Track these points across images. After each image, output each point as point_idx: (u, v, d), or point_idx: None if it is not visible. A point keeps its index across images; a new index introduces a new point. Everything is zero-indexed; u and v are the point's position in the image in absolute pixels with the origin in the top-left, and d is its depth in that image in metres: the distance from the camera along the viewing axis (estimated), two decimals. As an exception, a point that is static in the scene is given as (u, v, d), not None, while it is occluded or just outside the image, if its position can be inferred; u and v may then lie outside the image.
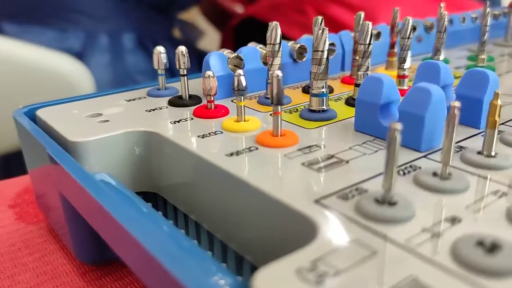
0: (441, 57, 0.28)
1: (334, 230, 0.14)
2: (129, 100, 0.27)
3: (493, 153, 0.18)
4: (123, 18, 0.81)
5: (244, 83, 0.22)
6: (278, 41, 0.25)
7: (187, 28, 0.99)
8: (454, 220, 0.15)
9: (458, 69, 0.32)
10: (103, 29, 0.79)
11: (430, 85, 0.19)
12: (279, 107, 0.20)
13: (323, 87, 0.23)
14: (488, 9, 0.31)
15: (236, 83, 0.22)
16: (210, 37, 1.08)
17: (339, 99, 0.27)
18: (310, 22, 1.07)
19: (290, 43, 0.30)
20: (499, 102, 0.17)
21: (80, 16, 0.78)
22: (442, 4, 0.33)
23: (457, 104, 0.16)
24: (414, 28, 0.35)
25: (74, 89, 0.67)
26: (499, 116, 0.18)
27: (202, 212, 0.21)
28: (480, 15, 0.40)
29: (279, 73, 0.20)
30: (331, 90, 0.28)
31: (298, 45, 0.29)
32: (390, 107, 0.21)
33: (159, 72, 0.28)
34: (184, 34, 0.98)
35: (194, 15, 1.15)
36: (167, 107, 0.26)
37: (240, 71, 0.22)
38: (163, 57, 0.27)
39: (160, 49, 0.27)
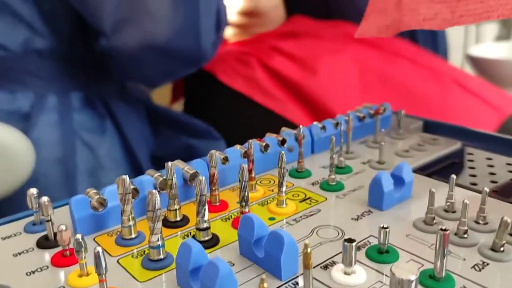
0: (284, 188, 0.31)
1: None
2: (4, 238, 0.30)
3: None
4: (70, 78, 0.85)
5: (82, 244, 0.25)
6: (129, 190, 0.29)
7: (137, 83, 1.03)
8: None
9: (314, 185, 0.36)
10: (51, 89, 0.83)
11: (219, 260, 0.23)
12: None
13: (158, 240, 0.27)
14: (333, 138, 0.35)
15: (74, 246, 0.25)
16: (161, 88, 1.12)
17: (188, 235, 0.30)
18: (253, 74, 1.09)
19: (186, 168, 0.33)
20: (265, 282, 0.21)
21: (29, 77, 0.82)
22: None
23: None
24: (283, 141, 0.39)
25: (13, 161, 0.70)
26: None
27: None
28: (354, 117, 0.44)
29: (79, 236, 0.24)
30: (186, 221, 0.32)
31: (192, 172, 0.33)
32: (199, 271, 0.24)
33: (33, 210, 0.31)
34: (135, 88, 1.01)
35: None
36: (33, 249, 0.29)
37: (79, 235, 0.25)
38: (33, 198, 0.31)
39: (33, 191, 0.31)
